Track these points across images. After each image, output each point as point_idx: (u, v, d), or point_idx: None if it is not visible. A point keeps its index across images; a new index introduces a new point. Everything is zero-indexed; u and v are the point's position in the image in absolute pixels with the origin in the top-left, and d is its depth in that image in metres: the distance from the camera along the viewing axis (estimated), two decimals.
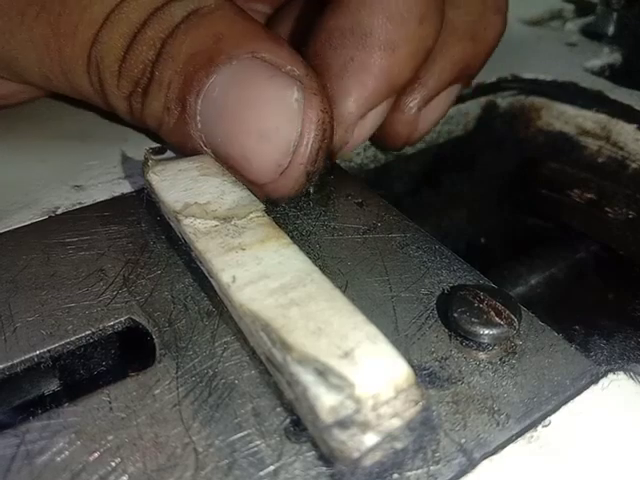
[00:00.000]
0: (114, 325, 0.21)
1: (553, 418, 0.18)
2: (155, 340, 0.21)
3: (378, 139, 0.32)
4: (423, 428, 0.17)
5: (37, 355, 0.20)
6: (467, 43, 0.30)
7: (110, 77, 0.26)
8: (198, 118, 0.25)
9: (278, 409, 0.18)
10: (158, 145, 0.27)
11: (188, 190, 0.23)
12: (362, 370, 0.16)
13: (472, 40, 0.30)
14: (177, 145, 0.27)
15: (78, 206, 0.27)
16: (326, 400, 0.15)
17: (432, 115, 0.32)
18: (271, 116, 0.24)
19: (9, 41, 0.26)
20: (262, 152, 0.25)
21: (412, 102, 0.30)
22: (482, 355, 0.20)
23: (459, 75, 0.31)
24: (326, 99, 0.25)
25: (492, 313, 0.20)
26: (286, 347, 0.17)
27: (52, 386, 0.22)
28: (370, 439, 0.16)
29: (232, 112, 0.24)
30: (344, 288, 0.23)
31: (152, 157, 0.25)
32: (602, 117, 0.38)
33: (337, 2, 0.27)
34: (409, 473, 0.17)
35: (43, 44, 0.26)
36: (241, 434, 0.18)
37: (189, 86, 0.25)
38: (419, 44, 0.27)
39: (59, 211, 0.26)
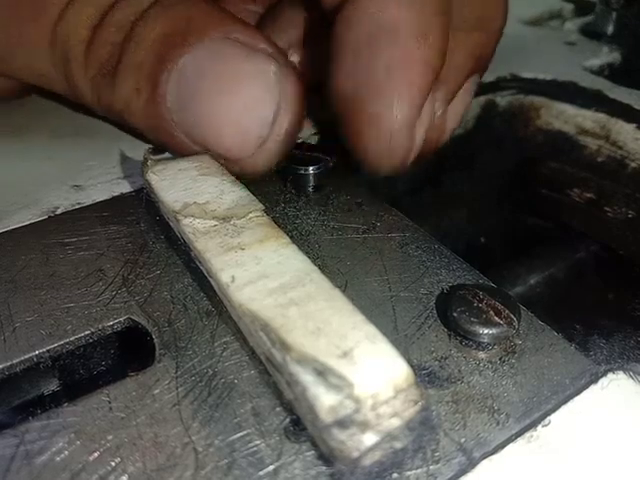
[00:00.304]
0: (113, 325, 0.21)
1: (553, 417, 0.18)
2: (154, 340, 0.21)
3: None
4: (422, 428, 0.17)
5: (36, 355, 0.20)
6: (477, 33, 0.29)
7: (75, 58, 0.26)
8: (168, 97, 0.25)
9: (277, 409, 0.18)
10: None
11: (187, 190, 0.23)
12: (361, 370, 0.16)
13: (482, 30, 0.30)
14: (146, 128, 0.27)
15: (77, 206, 0.27)
16: (325, 400, 0.15)
17: (456, 112, 0.31)
18: (253, 90, 0.25)
19: None
20: (244, 125, 0.25)
21: (438, 101, 0.29)
22: (482, 354, 0.20)
23: (475, 66, 0.30)
24: (299, 73, 0.25)
25: (491, 312, 0.20)
26: (285, 347, 0.17)
27: (51, 386, 0.22)
28: (369, 439, 0.16)
29: (209, 89, 0.25)
30: (343, 288, 0.23)
31: (151, 157, 0.25)
32: (601, 116, 0.38)
33: (347, 12, 0.25)
34: (409, 472, 0.17)
35: (5, 28, 0.26)
36: (241, 434, 0.18)
37: (161, 66, 0.25)
38: (444, 27, 0.26)
39: (58, 211, 0.26)
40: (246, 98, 0.25)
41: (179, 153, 0.26)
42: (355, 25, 0.25)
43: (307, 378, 0.16)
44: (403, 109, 0.25)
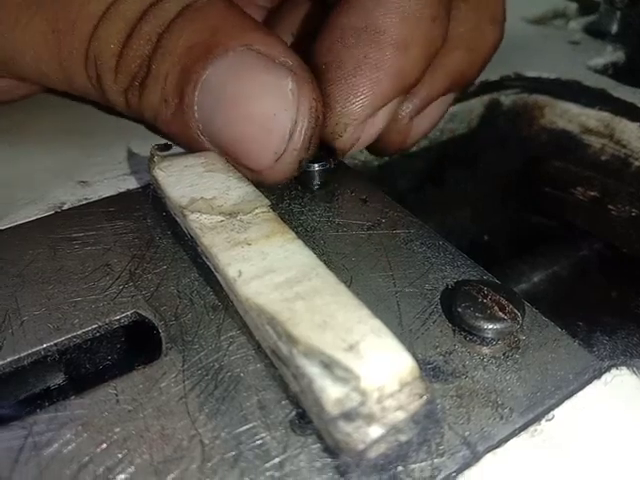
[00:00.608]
0: (120, 319, 0.21)
1: (556, 412, 0.19)
2: (161, 334, 0.21)
3: (371, 145, 0.32)
4: (427, 421, 0.17)
5: (44, 348, 0.20)
6: (461, 53, 0.30)
7: (108, 72, 0.26)
8: (195, 108, 0.25)
9: (283, 402, 0.19)
10: (164, 141, 0.28)
11: (194, 186, 0.23)
12: (367, 363, 0.16)
13: (467, 50, 0.30)
14: (174, 136, 0.28)
15: (84, 202, 0.27)
16: (332, 392, 0.16)
17: (424, 124, 0.32)
18: (269, 105, 0.25)
19: (6, 40, 0.27)
20: (261, 139, 0.25)
21: (405, 111, 0.31)
22: (486, 350, 0.20)
23: (452, 85, 0.31)
24: (317, 88, 0.26)
25: (496, 308, 0.21)
26: (292, 340, 0.17)
27: (58, 379, 0.22)
28: (375, 431, 0.16)
29: (230, 102, 0.25)
30: (349, 283, 0.23)
31: (158, 153, 0.25)
32: (605, 115, 0.38)
33: (348, 1, 0.27)
34: (413, 465, 0.17)
35: (41, 42, 0.26)
36: (247, 426, 0.18)
37: (187, 77, 0.25)
38: (430, 44, 0.27)
39: (65, 206, 0.26)
40: (263, 112, 0.25)
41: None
42: (350, 14, 0.26)
43: (313, 371, 0.16)
44: (359, 104, 0.27)
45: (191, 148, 0.27)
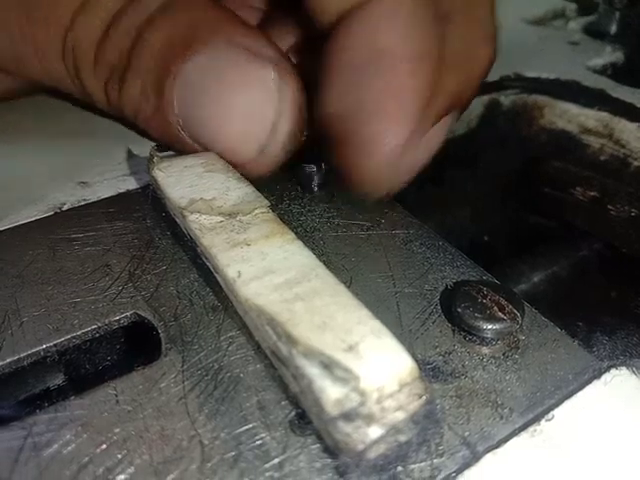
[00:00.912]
0: (120, 320, 0.22)
1: (556, 412, 0.19)
2: (161, 334, 0.21)
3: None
4: (427, 421, 0.17)
5: (43, 349, 0.20)
6: (456, 71, 0.27)
7: (86, 63, 0.26)
8: (175, 103, 0.25)
9: (283, 402, 0.19)
10: None
11: (193, 186, 0.23)
12: (367, 363, 0.16)
13: (462, 69, 0.28)
14: (154, 132, 0.27)
15: (83, 202, 0.27)
16: (331, 393, 0.16)
17: (428, 146, 0.28)
18: (251, 97, 0.25)
19: None
20: (245, 132, 0.25)
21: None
22: (485, 350, 0.20)
23: (452, 105, 0.28)
24: (299, 78, 0.25)
25: (495, 308, 0.21)
26: (291, 340, 0.17)
27: (58, 380, 0.22)
28: (374, 432, 0.16)
29: (212, 95, 0.25)
30: (348, 284, 0.23)
31: (157, 154, 0.25)
32: (604, 115, 0.38)
33: (341, 37, 0.24)
34: (413, 466, 0.17)
35: (17, 29, 0.26)
36: (246, 427, 0.18)
37: (166, 71, 0.25)
38: (435, 49, 0.25)
39: (65, 207, 0.26)
40: (245, 104, 0.25)
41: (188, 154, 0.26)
42: (350, 49, 0.24)
43: (313, 371, 0.16)
44: (401, 132, 0.24)
45: (171, 145, 0.27)
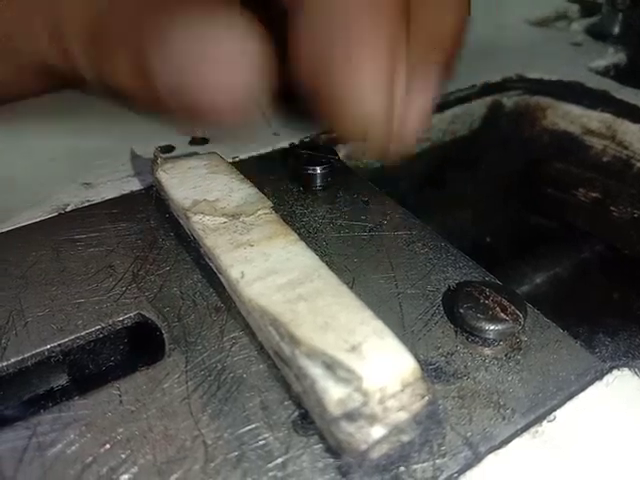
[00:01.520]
0: (123, 320, 0.22)
1: (558, 413, 0.19)
2: (164, 335, 0.21)
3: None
4: (429, 422, 0.17)
5: (47, 349, 0.21)
6: (434, 9, 0.27)
7: (70, 31, 0.26)
8: (156, 66, 0.25)
9: (286, 402, 0.19)
10: (167, 143, 0.28)
11: (197, 187, 0.23)
12: (369, 364, 0.16)
13: (440, 6, 0.27)
14: (144, 101, 0.27)
15: (87, 203, 0.27)
16: (334, 393, 0.16)
17: (419, 105, 0.27)
18: (237, 43, 0.24)
19: None
20: (230, 74, 0.25)
21: (398, 85, 0.26)
22: (488, 351, 0.21)
23: (435, 45, 0.27)
24: (265, 29, 0.25)
25: (498, 309, 0.21)
26: (294, 341, 0.17)
27: (62, 380, 0.22)
28: (377, 432, 0.16)
29: (188, 49, 0.24)
30: (351, 285, 0.23)
31: (161, 155, 0.25)
32: (607, 117, 0.38)
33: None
34: (415, 466, 0.17)
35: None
36: (249, 427, 0.18)
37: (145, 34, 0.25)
38: None
39: (68, 208, 0.27)
40: (231, 50, 0.24)
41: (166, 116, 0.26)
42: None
43: (316, 371, 0.16)
44: (369, 72, 0.24)
45: (150, 107, 0.27)
